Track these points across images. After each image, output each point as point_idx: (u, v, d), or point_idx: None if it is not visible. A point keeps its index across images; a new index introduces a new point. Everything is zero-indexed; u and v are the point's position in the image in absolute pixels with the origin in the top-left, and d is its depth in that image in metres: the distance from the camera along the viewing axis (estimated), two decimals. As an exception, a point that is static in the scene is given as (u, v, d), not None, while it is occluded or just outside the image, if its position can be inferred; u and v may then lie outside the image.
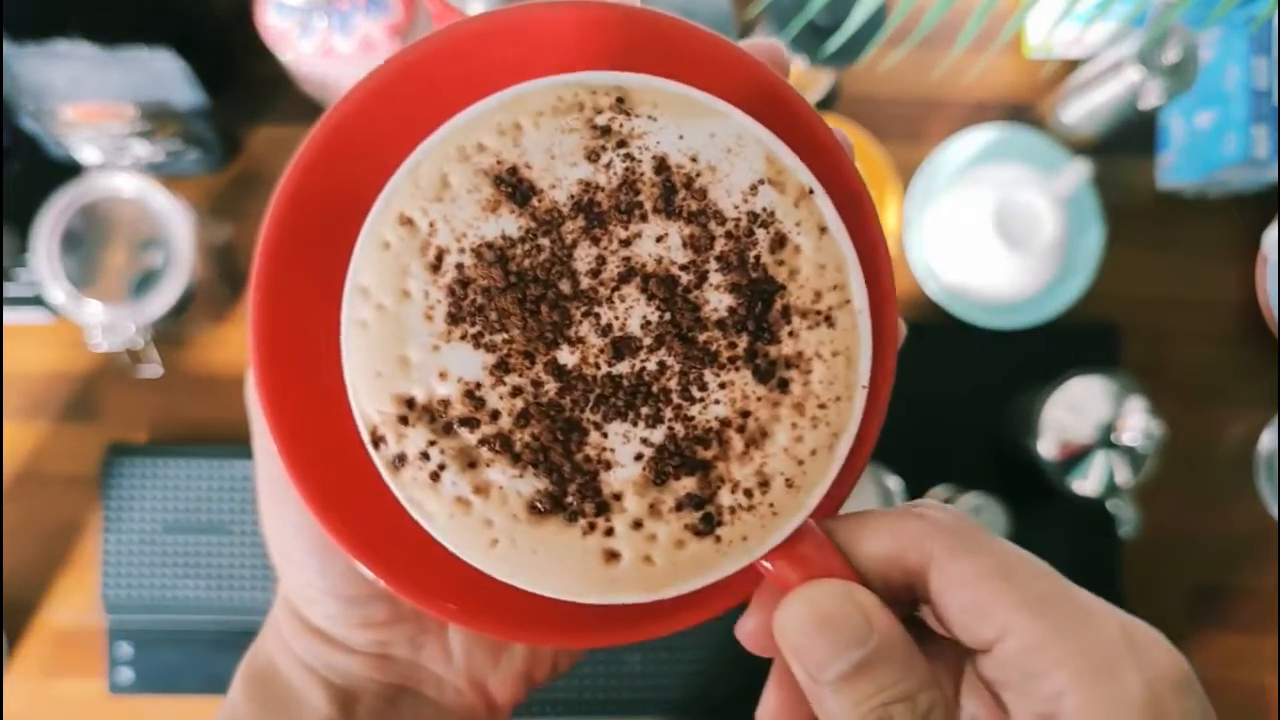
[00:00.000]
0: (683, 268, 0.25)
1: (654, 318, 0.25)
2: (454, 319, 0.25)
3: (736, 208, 0.26)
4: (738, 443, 0.25)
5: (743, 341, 0.25)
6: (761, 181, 0.26)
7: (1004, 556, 0.24)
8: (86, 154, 0.73)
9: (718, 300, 0.26)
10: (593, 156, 0.26)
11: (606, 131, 0.26)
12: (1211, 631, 0.78)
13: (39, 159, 0.74)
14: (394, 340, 0.25)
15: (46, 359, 0.76)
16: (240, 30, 0.70)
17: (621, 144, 0.26)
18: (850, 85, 0.79)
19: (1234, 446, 0.79)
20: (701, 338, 0.25)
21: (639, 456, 0.25)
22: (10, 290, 0.73)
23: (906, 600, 0.26)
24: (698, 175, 0.26)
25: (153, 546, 0.73)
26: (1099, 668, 0.23)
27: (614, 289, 0.25)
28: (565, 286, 0.25)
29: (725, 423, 0.25)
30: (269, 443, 0.26)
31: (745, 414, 0.25)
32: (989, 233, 0.73)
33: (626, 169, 0.26)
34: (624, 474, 0.25)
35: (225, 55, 0.75)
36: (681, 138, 0.26)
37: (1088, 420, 0.71)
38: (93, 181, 0.68)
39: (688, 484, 0.25)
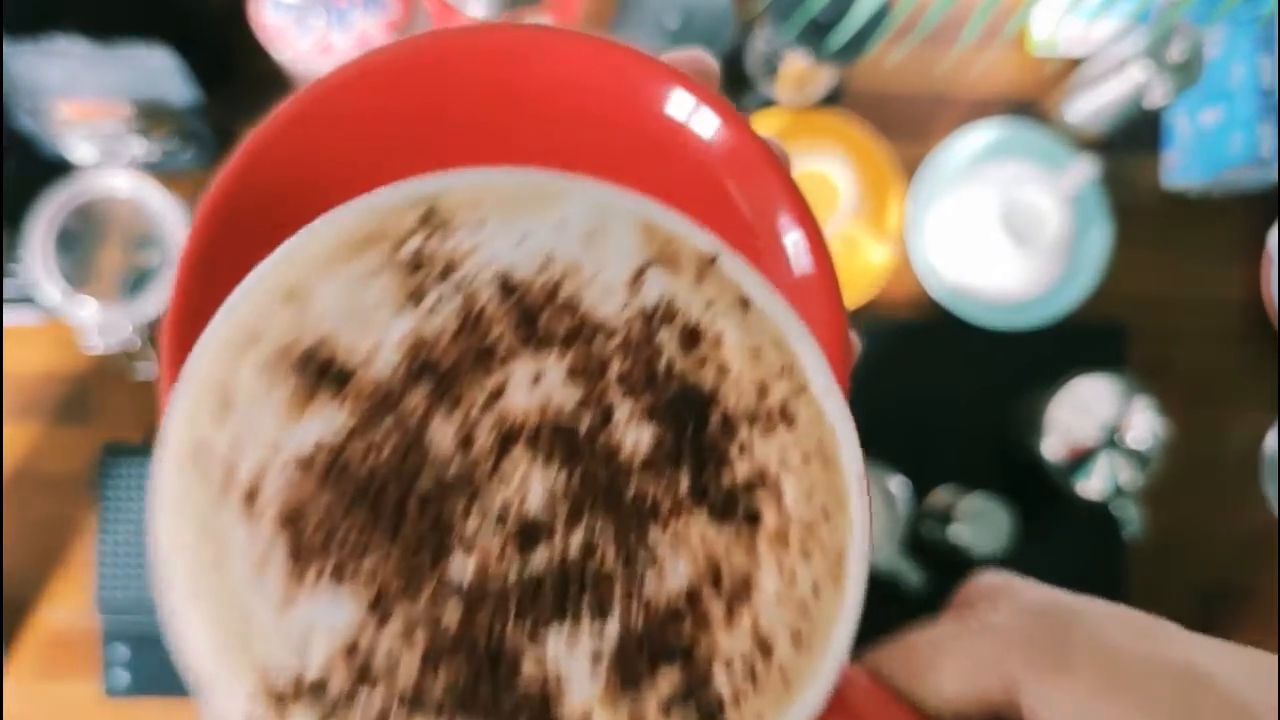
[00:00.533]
0: (577, 409, 0.20)
1: (559, 485, 0.20)
2: (297, 560, 0.19)
3: (623, 309, 0.20)
4: (717, 608, 0.20)
5: (684, 480, 0.20)
6: (645, 265, 0.20)
7: (1109, 660, 0.20)
8: (82, 152, 0.72)
9: (636, 436, 0.20)
10: (414, 299, 0.20)
11: (418, 265, 0.20)
12: (1217, 632, 0.76)
13: (34, 157, 0.73)
14: (230, 608, 0.19)
15: (41, 359, 0.75)
16: (237, 27, 0.69)
17: (446, 273, 0.20)
18: (854, 82, 0.79)
19: (1239, 447, 0.79)
20: (629, 492, 0.20)
21: (596, 660, 0.19)
22: (5, 290, 0.73)
23: None
24: (558, 284, 0.20)
25: (148, 548, 0.72)
26: None
27: (495, 464, 0.19)
28: (428, 482, 0.19)
29: (693, 589, 0.20)
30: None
31: (715, 569, 0.20)
32: (994, 231, 0.73)
33: (463, 303, 0.20)
34: (584, 691, 0.19)
35: (221, 53, 0.75)
36: (523, 241, 0.20)
37: (1093, 421, 0.71)
38: (88, 180, 0.67)
39: (670, 677, 0.20)
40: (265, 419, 0.19)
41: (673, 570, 0.20)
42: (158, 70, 0.66)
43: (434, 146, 0.24)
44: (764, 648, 0.20)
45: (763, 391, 0.20)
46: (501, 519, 0.19)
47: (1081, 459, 0.71)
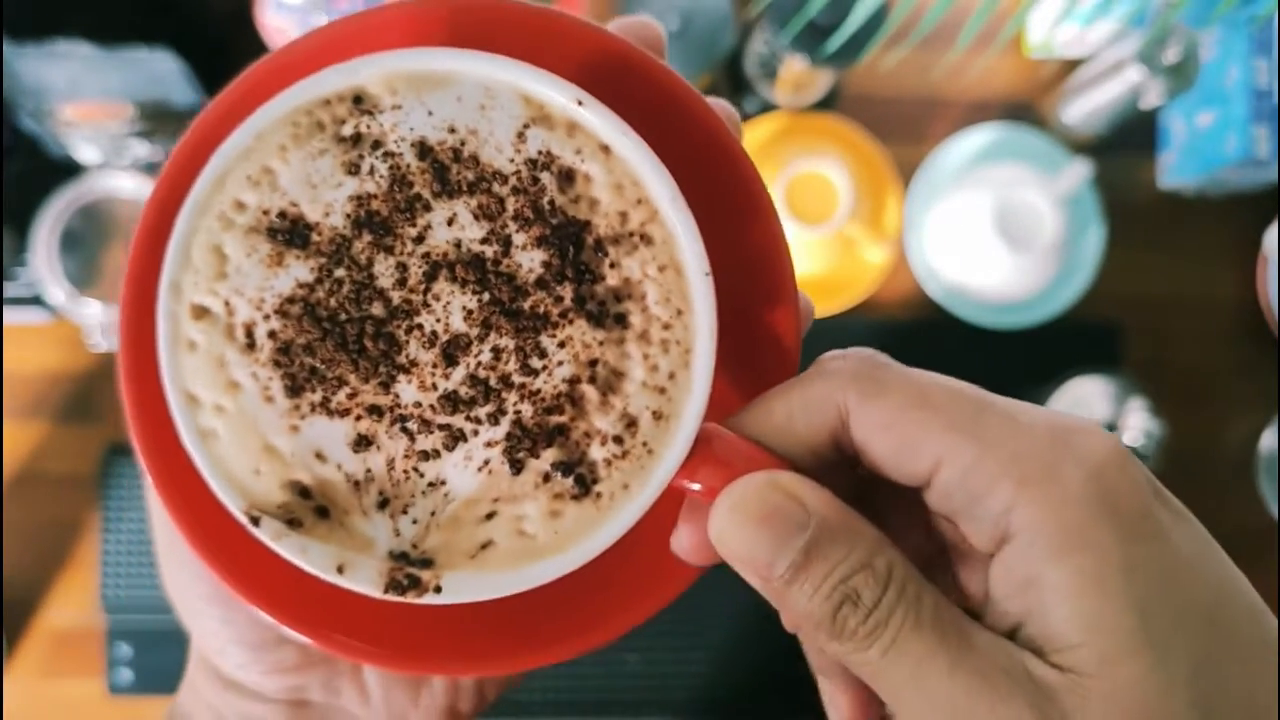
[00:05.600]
0: (483, 241, 0.24)
1: (473, 304, 0.24)
2: (293, 391, 0.24)
3: (512, 160, 0.25)
4: (593, 394, 0.24)
5: (568, 292, 0.24)
6: (526, 125, 0.25)
7: (917, 385, 0.23)
8: (86, 154, 0.73)
9: (529, 260, 0.25)
10: (352, 169, 0.24)
11: (357, 139, 0.25)
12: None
13: (38, 159, 0.74)
14: (252, 436, 0.24)
15: (46, 359, 0.76)
16: (239, 29, 0.70)
17: (376, 145, 0.25)
18: (851, 85, 0.79)
19: (1235, 446, 0.79)
20: (527, 305, 0.24)
21: (482, 467, 0.24)
22: (10, 290, 0.73)
23: (847, 460, 0.24)
24: (462, 144, 0.25)
25: (152, 547, 0.73)
26: (1038, 472, 0.22)
27: (425, 291, 0.24)
28: (378, 309, 0.24)
29: (574, 380, 0.24)
30: (150, 487, 0.26)
31: (593, 363, 0.24)
32: (990, 232, 0.73)
33: (391, 167, 0.24)
34: (464, 488, 0.24)
35: (224, 54, 0.75)
36: (431, 114, 0.25)
37: (1088, 420, 0.71)
38: (92, 181, 0.68)
39: (551, 454, 0.24)
40: (252, 277, 0.24)
41: (559, 367, 0.24)
42: (160, 72, 0.66)
43: None
44: (630, 424, 0.25)
45: (624, 218, 0.25)
46: (433, 339, 0.24)
47: (1077, 458, 0.71)
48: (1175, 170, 0.79)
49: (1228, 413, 0.80)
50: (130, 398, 0.25)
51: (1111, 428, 0.71)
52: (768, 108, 0.77)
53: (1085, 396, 0.71)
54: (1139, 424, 0.70)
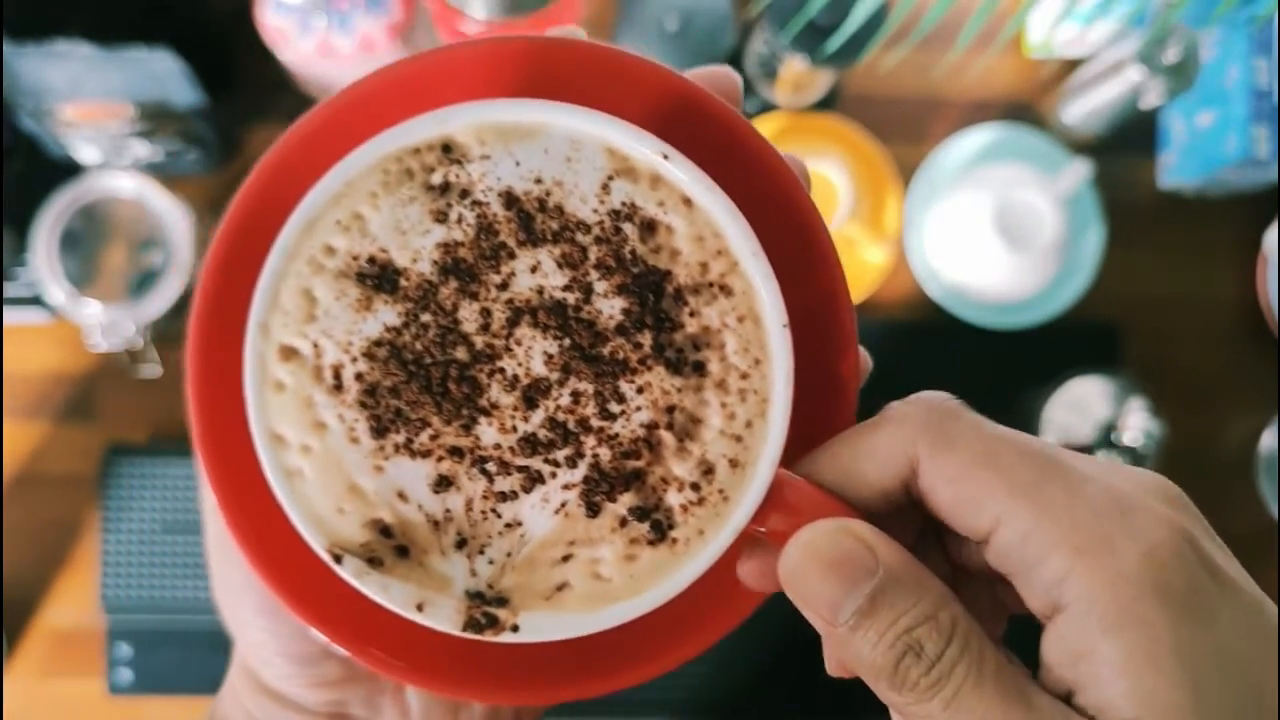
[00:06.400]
0: (565, 289, 0.25)
1: (554, 349, 0.25)
2: (378, 432, 0.25)
3: (596, 211, 0.25)
4: (670, 440, 0.25)
5: (647, 339, 0.25)
6: (610, 177, 0.25)
7: (986, 443, 0.24)
8: (86, 154, 0.73)
9: (610, 307, 0.25)
10: (440, 217, 0.25)
11: (445, 188, 0.25)
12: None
13: (38, 159, 0.74)
14: (337, 476, 0.25)
15: (46, 359, 0.76)
16: (240, 30, 0.70)
17: (464, 194, 0.25)
18: (851, 85, 0.79)
19: (1235, 446, 0.79)
20: (606, 350, 0.25)
21: (559, 509, 0.25)
22: (10, 290, 0.73)
23: (915, 504, 0.25)
24: (548, 194, 0.25)
25: (152, 547, 0.73)
26: (1094, 544, 0.22)
27: (508, 336, 0.25)
28: (462, 353, 0.25)
29: (652, 426, 0.25)
30: (212, 502, 0.26)
31: (670, 409, 0.25)
32: (990, 233, 0.73)
33: (478, 216, 0.25)
34: (541, 529, 0.25)
35: (224, 55, 0.75)
36: (518, 164, 0.25)
37: (1088, 420, 0.71)
38: (92, 181, 0.68)
39: (628, 498, 0.25)
40: (341, 320, 0.25)
41: (636, 413, 0.25)
42: (161, 73, 0.66)
43: None
44: (707, 471, 0.25)
45: (705, 269, 0.26)
46: (514, 383, 0.25)
47: (1077, 458, 0.71)
48: (1175, 170, 0.79)
49: (1228, 413, 0.80)
50: (198, 421, 0.26)
51: (1111, 427, 0.71)
52: (767, 108, 0.77)
53: (1085, 396, 0.71)
54: (1139, 424, 0.70)
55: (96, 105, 0.68)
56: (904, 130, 0.79)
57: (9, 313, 0.74)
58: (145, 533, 0.73)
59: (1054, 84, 0.79)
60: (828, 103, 0.78)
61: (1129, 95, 0.70)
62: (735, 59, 0.77)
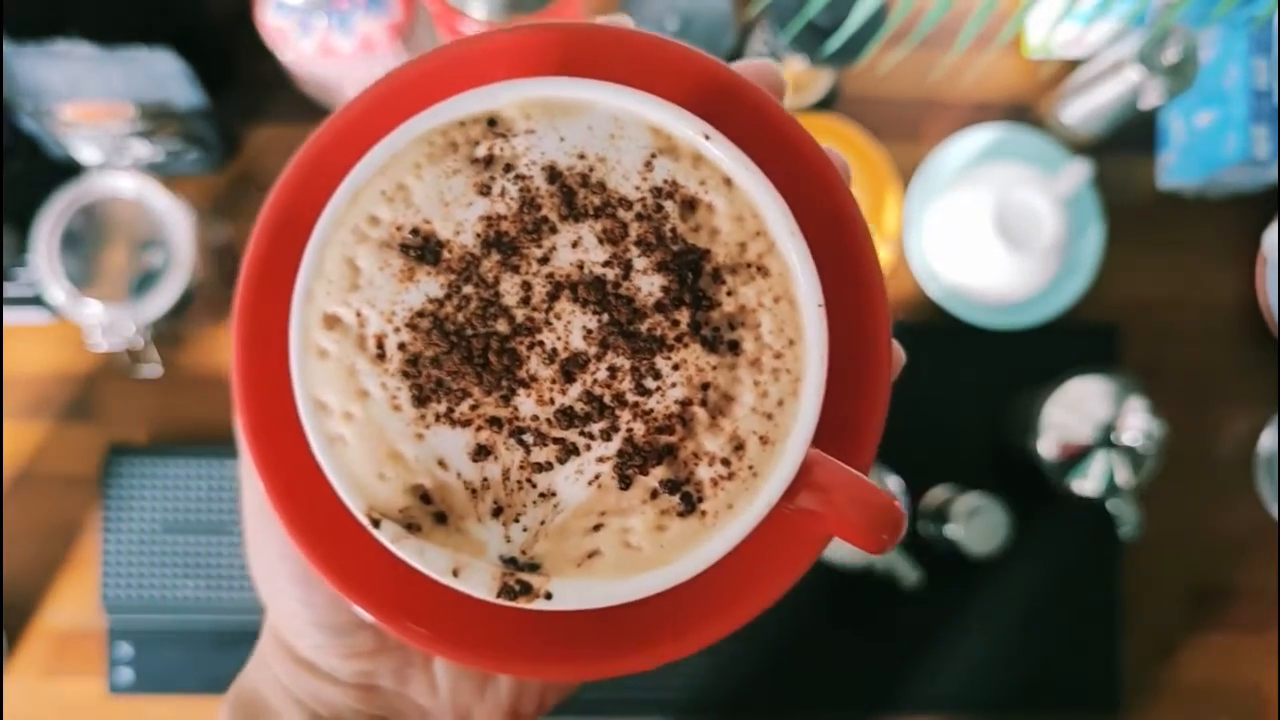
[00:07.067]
0: (605, 264, 0.25)
1: (593, 324, 0.25)
2: (420, 401, 0.25)
3: (638, 188, 0.26)
4: (703, 416, 0.25)
5: (684, 316, 0.25)
6: (654, 155, 0.26)
7: None
8: (86, 154, 0.73)
9: (649, 284, 0.25)
10: (484, 190, 0.25)
11: (490, 161, 0.25)
12: (1211, 631, 0.78)
13: (39, 159, 0.74)
14: (379, 443, 0.25)
15: (46, 359, 0.76)
16: (240, 30, 0.70)
17: (508, 167, 0.25)
18: (850, 85, 0.79)
19: (1234, 446, 0.79)
20: (644, 327, 0.25)
21: (593, 481, 0.25)
22: (10, 290, 0.73)
23: None
24: (590, 170, 0.25)
25: (153, 546, 0.73)
26: None
27: (548, 310, 0.25)
28: (503, 326, 0.25)
29: (686, 402, 0.25)
30: (251, 467, 0.26)
31: (705, 386, 0.25)
32: (989, 233, 0.73)
33: (521, 189, 0.25)
34: (574, 499, 0.25)
35: (225, 55, 0.75)
36: (563, 139, 0.25)
37: (1088, 420, 0.71)
38: (93, 181, 0.68)
39: (660, 471, 0.25)
40: (384, 290, 0.25)
41: (671, 389, 0.25)
42: (161, 73, 0.66)
43: None
44: (738, 447, 0.25)
45: (743, 249, 0.26)
46: (552, 356, 0.25)
47: (1077, 458, 0.72)
48: (1175, 170, 0.79)
49: (1228, 413, 0.80)
50: (241, 388, 0.26)
51: (1111, 428, 0.71)
52: (767, 108, 0.77)
53: (1085, 396, 0.71)
54: (1138, 424, 0.70)
55: (97, 105, 0.68)
56: (903, 130, 0.79)
57: (9, 313, 0.74)
58: (146, 533, 0.73)
59: (1053, 84, 0.79)
60: (827, 103, 0.78)
61: (1128, 95, 0.70)
62: (735, 59, 0.77)
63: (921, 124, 0.80)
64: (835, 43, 0.64)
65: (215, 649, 0.72)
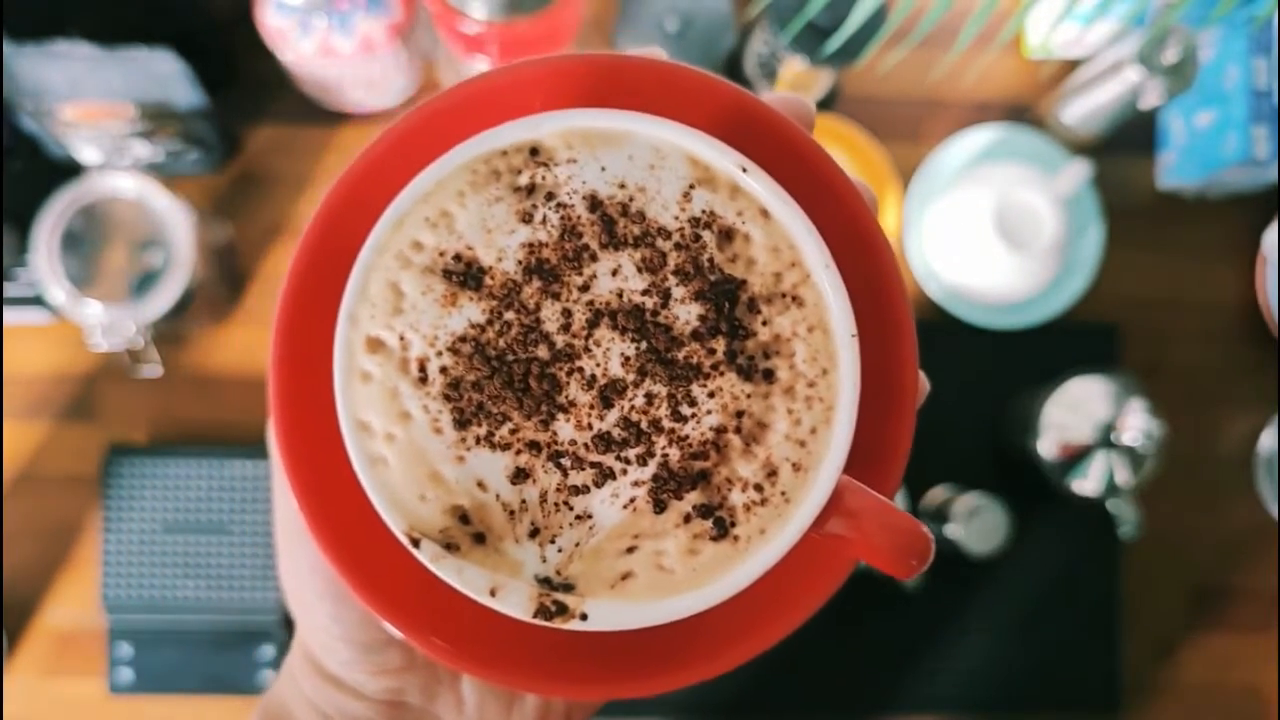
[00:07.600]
0: (644, 293, 0.26)
1: (631, 351, 0.26)
2: (461, 424, 0.25)
3: (677, 218, 0.26)
4: (737, 443, 0.26)
5: (720, 345, 0.26)
6: (692, 186, 0.26)
7: None
8: (86, 154, 0.73)
9: (686, 313, 0.26)
10: (526, 217, 0.26)
11: (532, 189, 0.26)
12: (1211, 631, 0.78)
13: (39, 159, 0.74)
14: (420, 464, 0.25)
15: (46, 359, 0.76)
16: (240, 30, 0.70)
17: (550, 196, 0.26)
18: (850, 85, 0.79)
19: (1234, 446, 0.79)
20: (681, 355, 0.26)
21: (628, 505, 0.26)
22: (10, 290, 0.73)
23: None
24: (630, 200, 0.26)
25: (153, 546, 0.73)
26: None
27: (587, 336, 0.26)
28: (543, 351, 0.26)
29: (721, 429, 0.26)
30: (285, 482, 0.27)
31: (739, 414, 0.26)
32: (989, 233, 0.73)
33: (562, 218, 0.26)
34: (609, 522, 0.26)
35: (225, 55, 0.75)
36: (604, 169, 0.26)
37: (1088, 420, 0.71)
38: (93, 181, 0.68)
39: (692, 498, 0.26)
40: (427, 314, 0.26)
41: (707, 416, 0.26)
42: (162, 73, 0.66)
43: None
44: (771, 474, 0.26)
45: (778, 279, 0.26)
46: (591, 382, 0.26)
47: (1077, 458, 0.72)
48: (1174, 171, 0.79)
49: (1227, 413, 0.80)
50: (279, 405, 0.27)
51: (1111, 428, 0.71)
52: (767, 108, 0.77)
53: (1085, 397, 0.71)
54: (1138, 424, 0.70)
55: (97, 105, 0.68)
56: (903, 130, 0.79)
57: (9, 313, 0.74)
58: (146, 533, 0.73)
59: (1053, 84, 0.79)
60: (827, 103, 0.78)
61: (1128, 96, 0.70)
62: (735, 60, 0.77)
63: (921, 124, 0.80)
64: (835, 43, 0.64)
65: (215, 649, 0.72)
